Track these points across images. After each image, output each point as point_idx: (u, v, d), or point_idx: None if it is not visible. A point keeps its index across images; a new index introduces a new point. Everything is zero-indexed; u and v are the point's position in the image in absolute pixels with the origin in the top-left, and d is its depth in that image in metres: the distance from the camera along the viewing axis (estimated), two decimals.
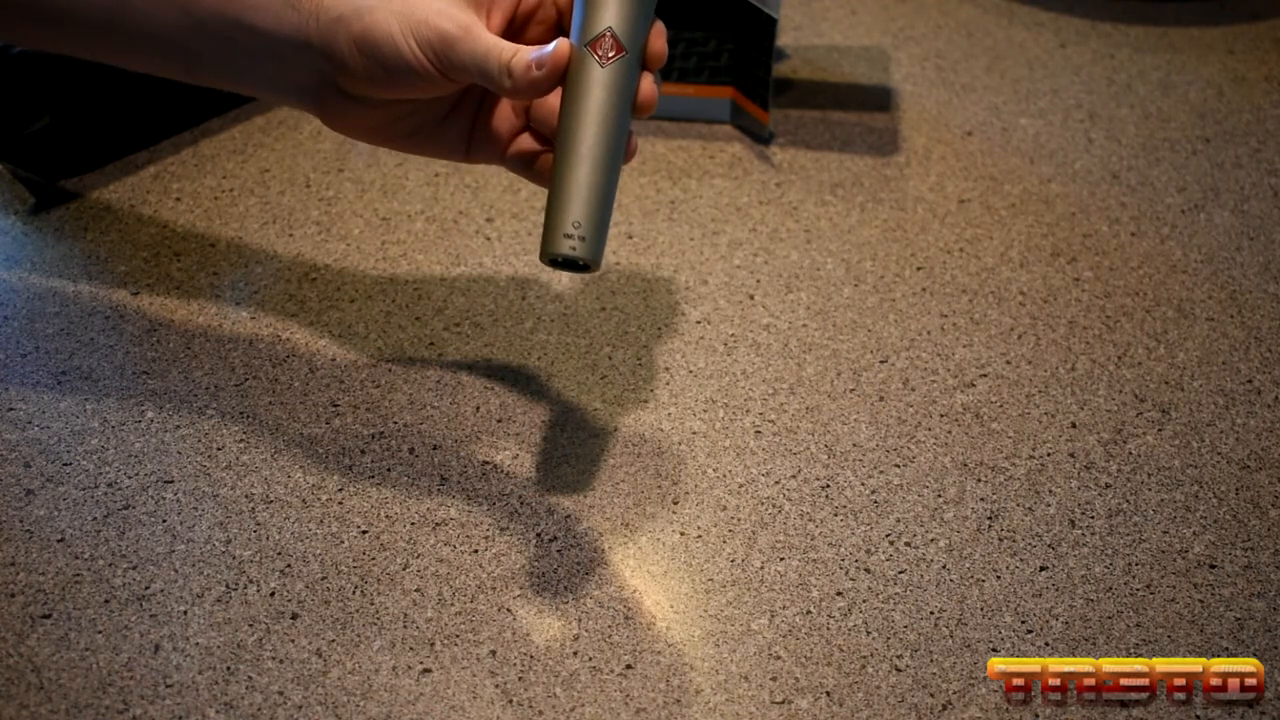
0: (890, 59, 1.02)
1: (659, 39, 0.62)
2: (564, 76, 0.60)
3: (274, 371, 0.75)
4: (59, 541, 0.65)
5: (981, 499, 0.69)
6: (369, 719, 0.58)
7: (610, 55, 0.60)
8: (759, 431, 0.72)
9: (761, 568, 0.65)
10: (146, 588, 0.63)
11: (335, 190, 0.88)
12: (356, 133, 0.65)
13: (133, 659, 0.60)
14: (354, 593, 0.63)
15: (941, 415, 0.73)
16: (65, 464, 0.69)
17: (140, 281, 0.80)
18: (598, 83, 0.60)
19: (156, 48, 0.64)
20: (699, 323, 0.79)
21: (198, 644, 0.61)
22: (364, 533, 0.66)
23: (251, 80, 0.64)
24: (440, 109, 0.65)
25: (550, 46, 0.59)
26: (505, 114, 0.65)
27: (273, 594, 0.63)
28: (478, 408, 0.73)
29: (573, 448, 0.71)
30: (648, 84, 0.62)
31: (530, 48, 0.60)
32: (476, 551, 0.65)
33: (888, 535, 0.67)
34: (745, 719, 0.59)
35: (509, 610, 0.63)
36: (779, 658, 0.61)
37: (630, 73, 0.60)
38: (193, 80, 0.66)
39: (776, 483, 0.69)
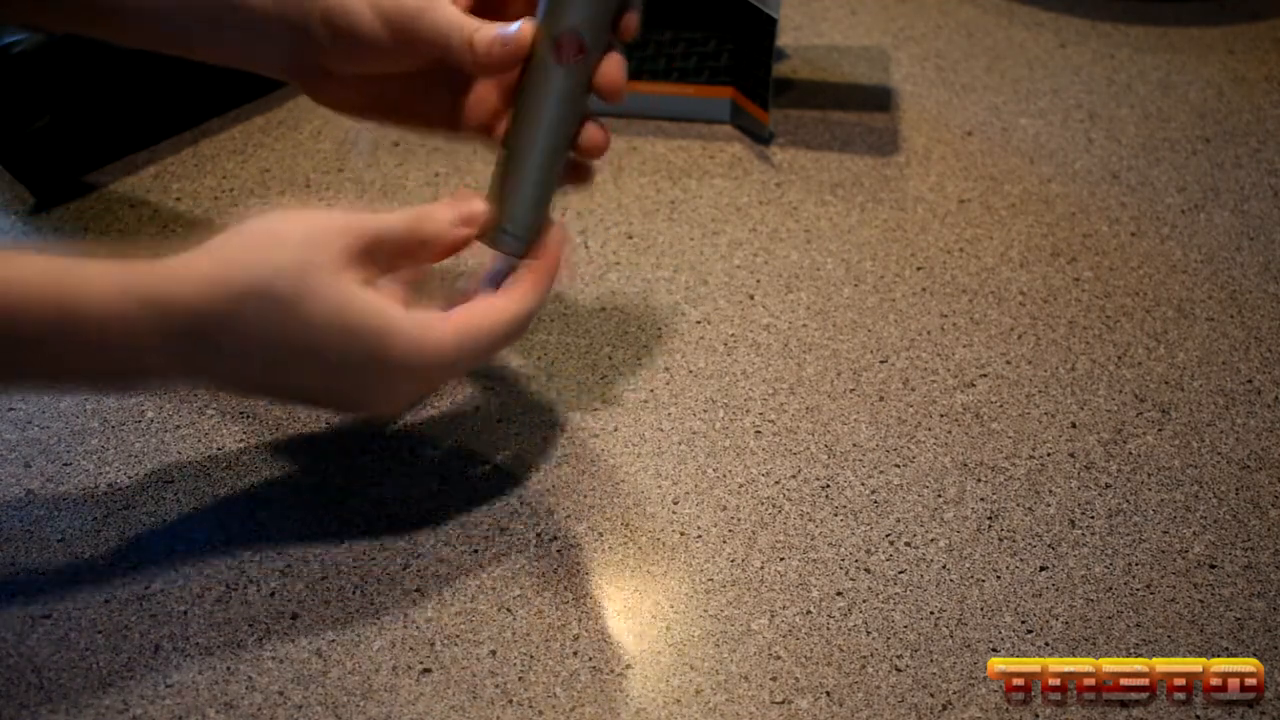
0: (890, 59, 1.02)
1: (633, 15, 0.62)
2: (526, 60, 0.61)
3: None
4: (59, 541, 0.65)
5: (981, 499, 0.69)
6: (369, 719, 0.58)
7: (570, 57, 0.60)
8: (759, 431, 0.72)
9: (761, 568, 0.65)
10: (146, 588, 0.63)
11: (335, 190, 0.88)
12: (343, 107, 0.67)
13: (133, 659, 0.60)
14: (354, 593, 0.63)
15: (941, 415, 0.73)
16: (65, 464, 0.69)
17: None
18: (551, 84, 0.61)
19: (150, 23, 0.66)
20: (699, 323, 0.79)
21: (198, 644, 0.61)
22: (364, 533, 0.66)
23: (239, 55, 0.66)
24: (417, 84, 0.66)
25: (514, 26, 0.60)
26: (482, 93, 0.66)
27: (273, 594, 0.63)
28: (477, 408, 0.73)
29: (573, 448, 0.71)
30: (613, 67, 0.61)
31: (496, 24, 0.60)
32: (476, 551, 0.65)
33: (888, 535, 0.67)
34: (745, 719, 0.59)
35: (509, 610, 0.63)
36: (779, 658, 0.61)
37: (589, 71, 0.61)
38: (188, 54, 0.68)
39: (776, 483, 0.69)
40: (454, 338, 0.58)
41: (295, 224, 0.56)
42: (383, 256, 0.58)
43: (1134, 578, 0.65)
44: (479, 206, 0.61)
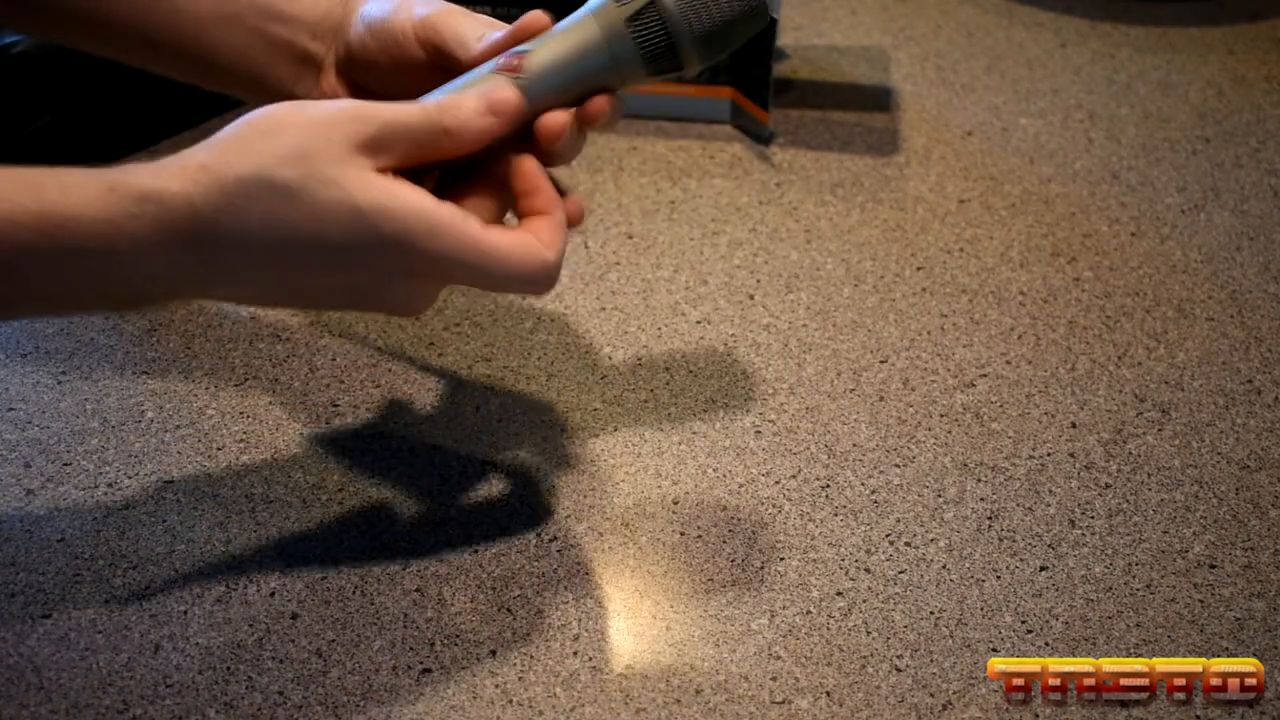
0: (890, 59, 1.02)
1: (602, 103, 0.58)
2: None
3: (274, 371, 0.75)
4: (59, 541, 0.65)
5: (981, 499, 0.69)
6: (369, 719, 0.58)
7: (509, 66, 0.58)
8: (759, 431, 0.72)
9: (761, 568, 0.65)
10: (146, 588, 0.63)
11: None
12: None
13: (133, 659, 0.60)
14: (354, 593, 0.63)
15: (941, 415, 0.73)
16: (65, 464, 0.69)
17: None
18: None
19: (180, 42, 0.65)
20: (699, 323, 0.79)
21: (198, 644, 0.61)
22: (364, 533, 0.66)
23: (267, 79, 0.66)
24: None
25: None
26: None
27: (273, 594, 0.63)
28: (478, 408, 0.73)
29: (573, 448, 0.71)
30: (553, 120, 0.58)
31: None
32: (476, 551, 0.65)
33: (888, 535, 0.67)
34: (745, 719, 0.59)
35: (509, 610, 0.63)
36: (779, 658, 0.61)
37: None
38: (204, 81, 0.68)
39: (776, 483, 0.69)
40: (468, 236, 0.54)
41: (296, 112, 0.54)
42: (398, 146, 0.54)
43: (1134, 578, 0.65)
44: (510, 93, 0.57)
